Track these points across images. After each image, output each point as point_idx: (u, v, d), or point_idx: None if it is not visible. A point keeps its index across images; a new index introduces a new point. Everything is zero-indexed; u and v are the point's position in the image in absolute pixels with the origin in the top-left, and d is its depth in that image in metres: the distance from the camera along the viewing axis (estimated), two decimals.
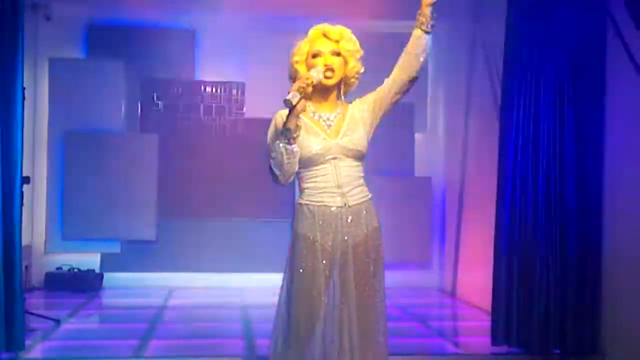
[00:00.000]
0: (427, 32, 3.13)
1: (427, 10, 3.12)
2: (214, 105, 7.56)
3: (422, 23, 3.12)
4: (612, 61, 4.64)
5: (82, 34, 7.37)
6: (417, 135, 7.54)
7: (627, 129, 4.56)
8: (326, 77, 3.05)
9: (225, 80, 7.54)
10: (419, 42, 3.13)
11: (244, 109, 7.51)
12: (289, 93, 2.89)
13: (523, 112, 4.68)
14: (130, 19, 7.29)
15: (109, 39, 7.28)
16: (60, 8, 6.98)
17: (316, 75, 2.98)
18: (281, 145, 2.94)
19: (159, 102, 7.49)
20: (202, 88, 7.56)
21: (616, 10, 4.56)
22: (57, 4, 6.96)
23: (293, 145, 2.95)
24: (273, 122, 3.09)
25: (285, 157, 2.95)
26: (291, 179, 3.03)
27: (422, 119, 7.58)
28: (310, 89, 2.96)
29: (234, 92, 7.56)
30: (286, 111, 3.07)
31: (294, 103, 2.86)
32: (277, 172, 2.98)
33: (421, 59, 3.14)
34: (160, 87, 7.48)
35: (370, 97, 3.17)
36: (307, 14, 6.33)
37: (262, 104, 6.96)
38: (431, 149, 7.54)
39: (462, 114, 6.94)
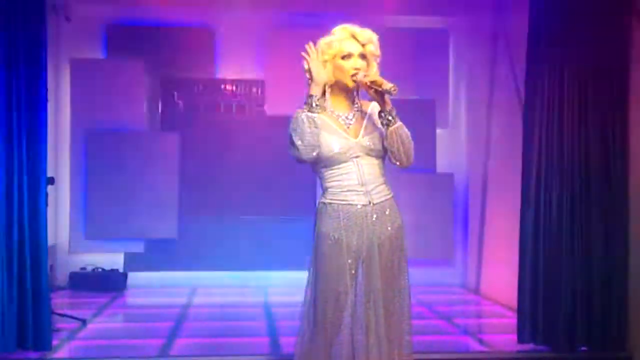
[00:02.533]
0: (394, 125, 3.04)
1: (386, 106, 3.02)
2: (234, 103, 7.57)
3: (387, 120, 3.03)
4: (637, 57, 4.57)
5: (102, 34, 7.40)
6: (439, 131, 7.48)
7: None
8: (354, 81, 3.06)
9: (245, 78, 7.54)
10: (392, 139, 3.04)
11: (264, 106, 7.50)
12: (389, 83, 2.95)
13: (547, 108, 4.63)
14: (149, 18, 7.31)
15: (129, 39, 7.30)
16: (79, 8, 7.01)
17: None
18: (303, 114, 2.98)
19: (180, 101, 7.51)
20: (222, 86, 7.56)
21: None
22: (77, 5, 6.99)
23: (315, 114, 2.99)
24: (295, 118, 3.10)
25: (307, 125, 2.97)
26: (314, 153, 3.00)
27: (444, 115, 7.53)
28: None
29: (254, 89, 7.56)
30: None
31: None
32: (299, 143, 2.97)
33: (402, 154, 3.07)
34: (181, 86, 7.50)
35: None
36: (326, 10, 6.36)
37: (282, 101, 6.98)
38: (453, 145, 7.49)
39: (485, 109, 6.89)
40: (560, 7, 4.63)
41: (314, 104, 3.00)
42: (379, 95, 3.00)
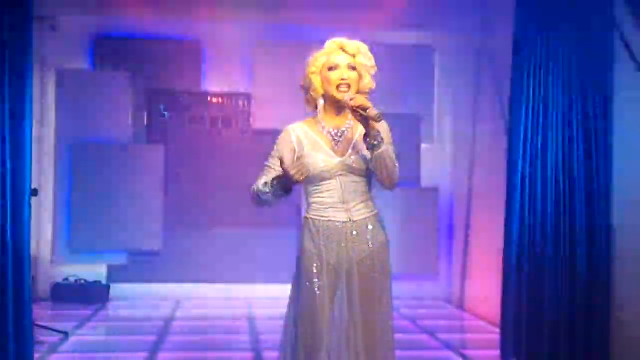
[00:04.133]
0: (378, 150, 2.96)
1: (372, 130, 2.94)
2: (220, 116, 7.57)
3: (372, 145, 2.95)
4: (620, 70, 4.62)
5: (89, 45, 7.38)
6: (423, 146, 7.52)
7: (637, 139, 4.55)
8: (341, 92, 3.04)
9: (231, 91, 7.55)
10: (377, 164, 2.99)
11: (251, 119, 7.51)
12: (374, 110, 2.86)
13: (531, 122, 4.66)
14: (136, 30, 7.31)
15: (116, 51, 7.30)
16: (66, 20, 7.00)
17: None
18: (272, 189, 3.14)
19: (166, 113, 7.50)
20: (209, 99, 7.57)
21: (622, 19, 4.55)
22: (64, 16, 6.98)
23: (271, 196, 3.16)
24: (282, 135, 3.09)
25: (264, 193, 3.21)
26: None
27: (428, 129, 7.57)
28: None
29: (241, 103, 7.56)
30: (298, 124, 3.07)
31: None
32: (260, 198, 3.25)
33: (385, 178, 3.03)
34: (167, 98, 7.49)
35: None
36: (313, 25, 6.39)
37: (268, 115, 7.01)
38: (438, 159, 7.53)
39: (469, 124, 6.94)
40: (544, 19, 4.66)
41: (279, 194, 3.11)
42: (364, 119, 2.92)
